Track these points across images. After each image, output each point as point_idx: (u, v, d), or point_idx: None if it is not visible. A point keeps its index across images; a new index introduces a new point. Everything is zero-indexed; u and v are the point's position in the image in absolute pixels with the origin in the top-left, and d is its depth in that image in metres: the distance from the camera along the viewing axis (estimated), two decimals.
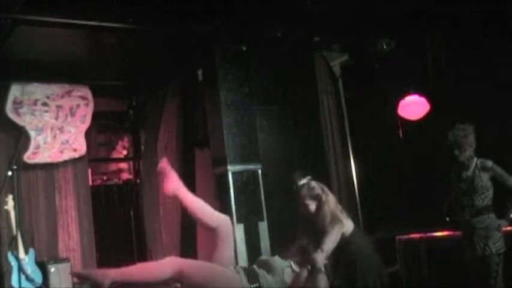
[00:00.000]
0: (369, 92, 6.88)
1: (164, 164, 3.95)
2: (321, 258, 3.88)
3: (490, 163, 4.52)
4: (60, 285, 6.29)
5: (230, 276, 3.72)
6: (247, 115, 6.19)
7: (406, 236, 6.03)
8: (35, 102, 6.89)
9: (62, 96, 7.11)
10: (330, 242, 3.95)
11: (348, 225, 4.12)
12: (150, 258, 7.37)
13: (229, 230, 3.95)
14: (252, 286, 3.72)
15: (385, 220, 6.65)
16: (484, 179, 4.51)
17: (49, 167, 7.04)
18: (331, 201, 4.11)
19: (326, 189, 4.21)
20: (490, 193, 4.51)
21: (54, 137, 7.02)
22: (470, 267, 4.60)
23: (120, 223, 8.18)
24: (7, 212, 6.02)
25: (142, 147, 8.43)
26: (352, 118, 7.42)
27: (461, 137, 4.53)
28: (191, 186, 7.43)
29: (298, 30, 6.26)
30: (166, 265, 3.62)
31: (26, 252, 6.17)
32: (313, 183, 4.20)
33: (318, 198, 4.10)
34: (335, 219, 4.02)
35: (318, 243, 3.94)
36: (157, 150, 7.80)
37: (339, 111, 7.40)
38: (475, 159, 4.57)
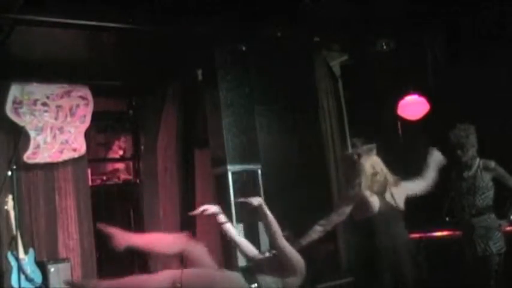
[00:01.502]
0: (369, 92, 6.87)
1: (102, 226, 3.88)
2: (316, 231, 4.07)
3: (492, 163, 4.51)
4: (59, 285, 6.27)
5: (230, 278, 3.71)
6: (247, 115, 6.19)
7: None
8: (35, 102, 6.88)
9: (62, 97, 7.10)
10: (333, 215, 4.18)
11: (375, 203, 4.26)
12: (149, 259, 7.35)
13: (198, 249, 3.84)
14: (250, 286, 3.71)
15: None
16: (486, 179, 4.50)
17: (49, 167, 7.02)
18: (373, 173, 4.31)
19: (378, 162, 4.42)
20: (491, 193, 4.51)
21: (54, 137, 7.01)
22: (470, 267, 4.59)
23: (120, 223, 8.13)
24: (7, 212, 6.01)
25: (142, 147, 8.43)
26: (352, 118, 7.41)
27: (463, 137, 4.53)
28: (191, 186, 7.50)
29: (298, 30, 6.26)
30: (161, 279, 3.64)
31: (26, 252, 6.15)
32: (367, 150, 4.37)
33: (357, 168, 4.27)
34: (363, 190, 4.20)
35: None
36: (157, 150, 7.81)
37: (339, 111, 7.39)
38: (478, 159, 4.56)
